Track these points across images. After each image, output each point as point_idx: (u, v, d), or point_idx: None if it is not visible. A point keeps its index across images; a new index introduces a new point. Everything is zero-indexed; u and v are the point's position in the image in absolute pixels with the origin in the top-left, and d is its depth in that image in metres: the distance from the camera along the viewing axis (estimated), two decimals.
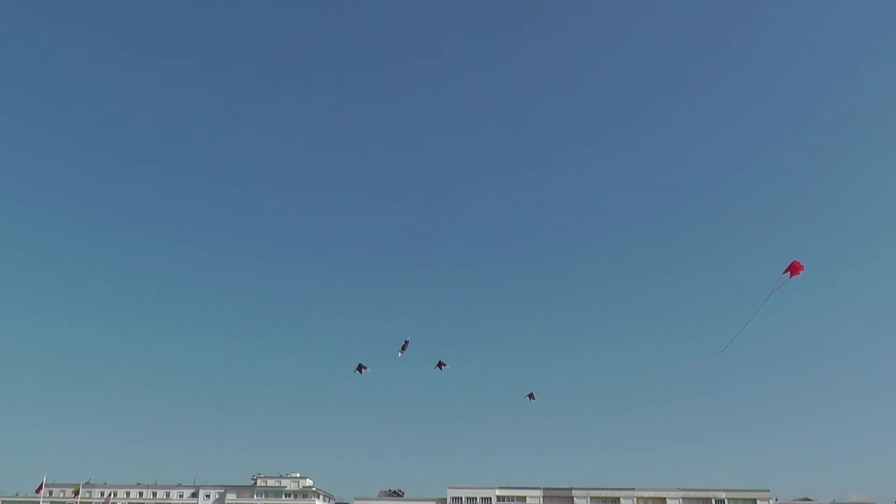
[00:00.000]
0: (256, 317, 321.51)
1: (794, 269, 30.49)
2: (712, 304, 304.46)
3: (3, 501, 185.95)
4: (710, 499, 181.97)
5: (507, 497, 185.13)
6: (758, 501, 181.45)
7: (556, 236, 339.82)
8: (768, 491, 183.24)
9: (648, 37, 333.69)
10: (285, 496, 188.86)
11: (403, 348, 63.55)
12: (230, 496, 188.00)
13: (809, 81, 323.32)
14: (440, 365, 70.31)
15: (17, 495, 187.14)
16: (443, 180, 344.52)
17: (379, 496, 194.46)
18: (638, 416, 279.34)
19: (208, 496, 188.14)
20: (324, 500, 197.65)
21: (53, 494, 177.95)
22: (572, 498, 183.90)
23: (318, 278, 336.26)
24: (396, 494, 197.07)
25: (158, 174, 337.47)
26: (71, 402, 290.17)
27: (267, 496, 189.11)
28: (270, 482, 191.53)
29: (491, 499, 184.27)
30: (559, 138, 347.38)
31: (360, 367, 61.72)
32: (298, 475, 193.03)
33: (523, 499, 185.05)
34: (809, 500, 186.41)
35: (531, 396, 74.31)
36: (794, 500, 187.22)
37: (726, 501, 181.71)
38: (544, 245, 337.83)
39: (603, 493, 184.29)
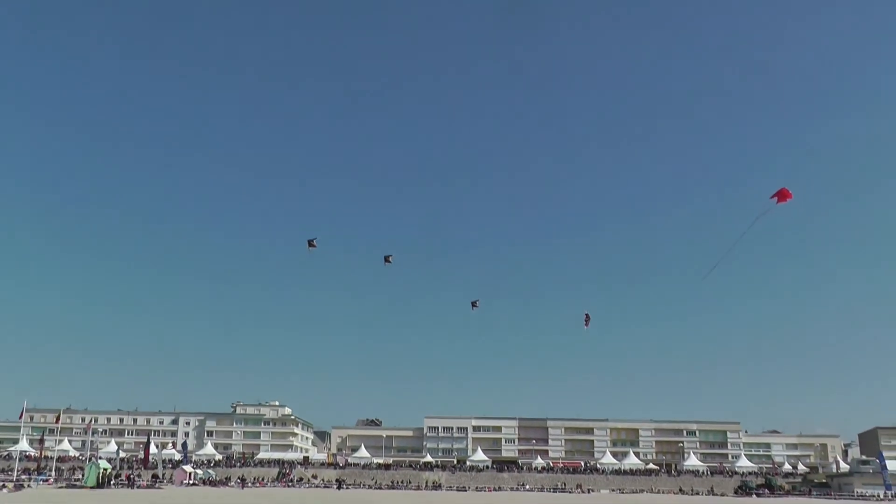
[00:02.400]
0: (239, 245, 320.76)
1: (782, 195, 30.44)
2: (687, 239, 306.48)
3: None
4: (681, 430, 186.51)
5: (483, 427, 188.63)
6: (728, 433, 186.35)
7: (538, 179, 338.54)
8: (738, 423, 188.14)
9: (654, 33, 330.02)
10: (264, 424, 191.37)
11: (387, 260, 63.70)
12: (210, 423, 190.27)
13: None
14: (474, 304, 70.68)
15: None
16: (457, 169, 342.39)
17: (357, 425, 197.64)
18: (611, 350, 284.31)
19: (188, 423, 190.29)
20: (302, 429, 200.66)
21: (34, 420, 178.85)
22: (547, 428, 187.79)
23: (320, 201, 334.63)
24: (374, 423, 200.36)
25: (168, 161, 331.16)
26: (52, 328, 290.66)
27: (246, 423, 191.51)
28: (250, 410, 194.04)
29: (467, 429, 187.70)
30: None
31: (310, 242, 61.26)
32: (277, 403, 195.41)
33: (499, 429, 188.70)
34: (777, 432, 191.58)
35: (587, 320, 73.05)
36: (763, 432, 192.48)
37: (697, 433, 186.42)
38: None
39: (576, 424, 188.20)
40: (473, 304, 70.83)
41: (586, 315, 71.07)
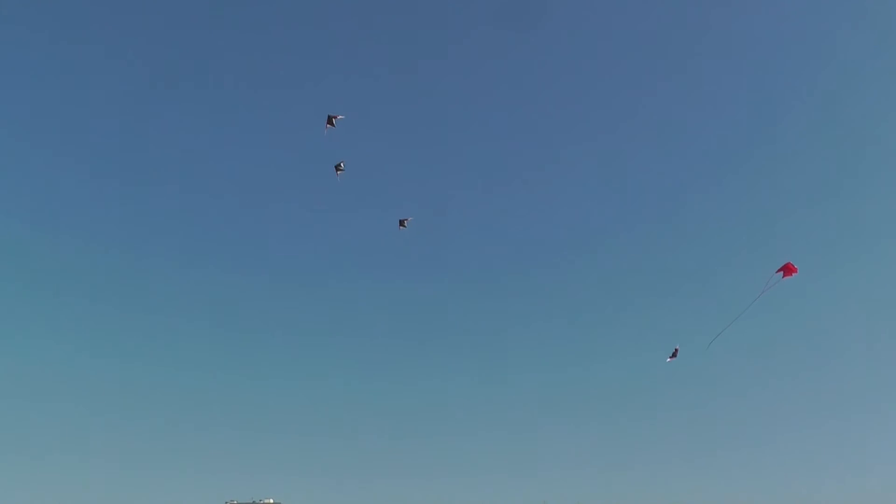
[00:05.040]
0: (229, 337, 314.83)
1: (787, 269, 28.46)
2: (692, 318, 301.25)
3: None
4: None
5: None
6: None
7: (535, 248, 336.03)
8: None
9: (639, 32, 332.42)
10: None
11: (338, 168, 60.28)
12: None
13: (795, 75, 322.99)
14: (402, 223, 66.32)
15: None
16: (437, 186, 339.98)
17: None
18: (612, 434, 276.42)
19: None
20: None
21: None
22: None
23: (295, 296, 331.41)
24: None
25: (136, 185, 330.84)
26: (38, 427, 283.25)
27: None
28: None
29: None
30: (540, 144, 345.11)
31: (330, 120, 56.91)
32: (272, 500, 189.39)
33: None
34: None
35: (674, 354, 69.26)
36: None
37: None
38: (523, 258, 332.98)
39: None
40: (401, 223, 67.30)
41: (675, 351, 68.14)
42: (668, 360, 66.41)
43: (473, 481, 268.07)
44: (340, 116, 56.90)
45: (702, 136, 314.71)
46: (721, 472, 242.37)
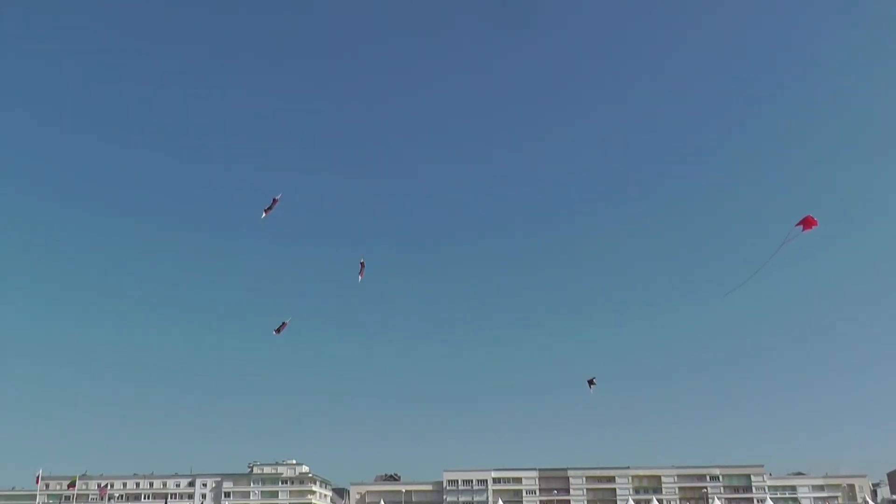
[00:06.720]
0: (250, 302, 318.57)
1: (807, 223, 30.19)
2: (706, 279, 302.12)
3: None
4: (704, 475, 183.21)
5: (503, 479, 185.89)
6: (752, 477, 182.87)
7: (551, 210, 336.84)
8: (762, 466, 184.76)
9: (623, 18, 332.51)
10: (282, 483, 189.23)
11: (361, 271, 62.64)
12: (227, 484, 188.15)
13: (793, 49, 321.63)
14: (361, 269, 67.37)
15: (13, 488, 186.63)
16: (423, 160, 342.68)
17: (375, 481, 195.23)
18: (632, 395, 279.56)
19: (205, 485, 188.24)
20: (320, 486, 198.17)
21: (50, 487, 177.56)
22: (568, 478, 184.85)
23: (309, 261, 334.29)
24: (393, 479, 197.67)
25: (152, 160, 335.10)
26: (66, 393, 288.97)
27: (263, 483, 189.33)
28: (267, 469, 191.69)
29: (487, 481, 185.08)
30: (552, 111, 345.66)
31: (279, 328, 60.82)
32: (294, 462, 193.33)
33: (519, 480, 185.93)
34: (803, 474, 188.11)
35: (591, 383, 71.29)
36: (788, 474, 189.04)
37: (721, 478, 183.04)
38: (538, 220, 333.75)
39: (598, 473, 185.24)
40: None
41: (590, 381, 69.71)
42: (591, 386, 68.61)
43: (487, 443, 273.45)
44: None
45: (704, 106, 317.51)
46: (737, 429, 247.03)
